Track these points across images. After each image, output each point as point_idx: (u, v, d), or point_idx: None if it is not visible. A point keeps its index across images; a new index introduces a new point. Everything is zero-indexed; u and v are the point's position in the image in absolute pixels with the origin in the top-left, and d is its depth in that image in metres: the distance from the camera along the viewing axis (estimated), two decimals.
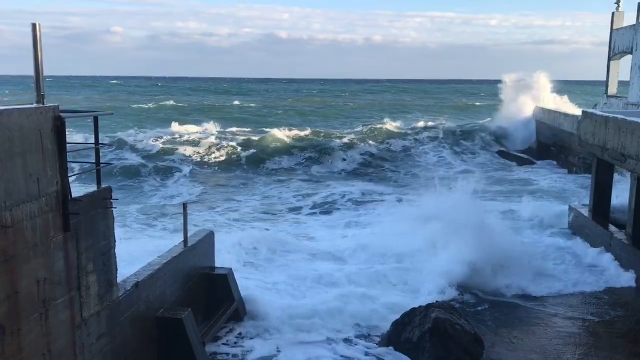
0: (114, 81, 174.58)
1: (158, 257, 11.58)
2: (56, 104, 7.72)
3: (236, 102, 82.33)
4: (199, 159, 36.09)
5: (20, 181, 6.92)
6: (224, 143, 39.25)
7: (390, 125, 47.76)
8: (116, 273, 9.25)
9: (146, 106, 68.84)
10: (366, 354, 11.62)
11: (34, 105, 7.42)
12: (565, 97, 48.30)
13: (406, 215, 20.17)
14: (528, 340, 12.21)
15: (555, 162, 36.50)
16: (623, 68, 36.99)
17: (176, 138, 39.81)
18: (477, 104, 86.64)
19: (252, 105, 79.52)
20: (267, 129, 44.36)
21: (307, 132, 43.91)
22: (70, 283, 7.94)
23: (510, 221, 20.61)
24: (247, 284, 13.95)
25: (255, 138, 41.30)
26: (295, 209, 25.18)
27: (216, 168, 35.60)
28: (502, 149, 43.16)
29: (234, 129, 47.82)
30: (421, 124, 49.23)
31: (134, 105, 68.63)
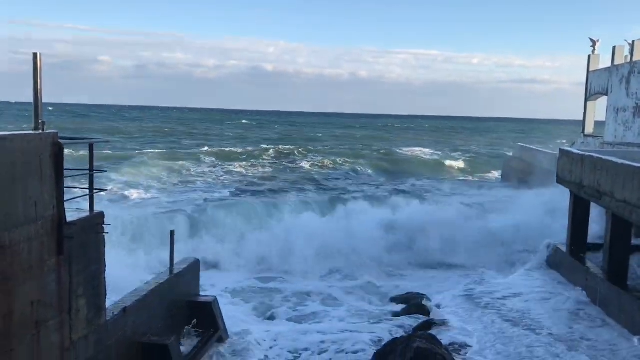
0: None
1: (145, 283, 11.74)
2: (55, 131, 7.99)
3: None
4: None
5: (19, 204, 7.14)
6: None
7: None
8: (105, 297, 9.40)
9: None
10: None
11: (35, 131, 7.69)
12: None
13: None
14: None
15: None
16: (600, 108, 38.16)
17: None
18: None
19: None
20: None
21: None
22: (62, 306, 8.10)
23: None
24: None
25: None
26: None
27: None
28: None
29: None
30: None
31: None
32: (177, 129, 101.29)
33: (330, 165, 52.35)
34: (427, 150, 70.08)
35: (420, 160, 60.52)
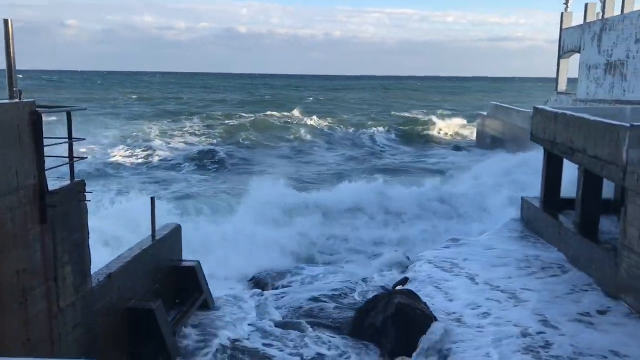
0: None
1: (127, 250, 11.81)
2: (32, 100, 7.92)
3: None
4: None
5: (0, 174, 7.11)
6: None
7: None
8: (90, 264, 9.48)
9: None
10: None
11: (12, 100, 7.60)
12: None
13: None
14: None
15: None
16: (572, 66, 38.62)
17: None
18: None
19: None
20: None
21: None
22: (47, 274, 8.16)
23: None
24: None
25: None
26: None
27: None
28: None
29: None
30: None
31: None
32: (162, 96, 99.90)
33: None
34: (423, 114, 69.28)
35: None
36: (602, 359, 10.49)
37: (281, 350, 11.70)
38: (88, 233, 9.40)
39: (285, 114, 65.10)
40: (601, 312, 12.67)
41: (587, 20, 34.40)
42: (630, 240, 12.86)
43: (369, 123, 59.08)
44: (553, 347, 10.86)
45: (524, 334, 11.39)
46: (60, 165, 8.74)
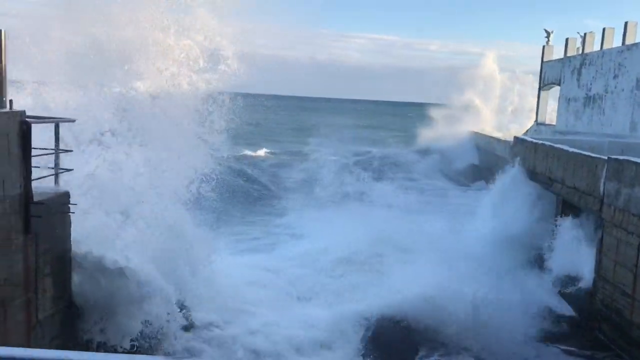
0: None
1: None
2: (23, 109, 7.93)
3: None
4: None
5: None
6: None
7: None
8: (70, 277, 9.41)
9: None
10: None
11: (2, 109, 7.61)
12: None
13: None
14: None
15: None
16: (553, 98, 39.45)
17: None
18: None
19: None
20: None
21: None
22: (28, 285, 8.09)
23: None
24: None
25: None
26: None
27: None
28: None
29: None
30: None
31: None
32: None
33: None
34: None
35: None
36: None
37: None
38: (71, 245, 9.35)
39: None
40: None
41: (568, 55, 35.29)
42: (606, 271, 13.11)
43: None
44: None
45: None
46: (46, 177, 8.73)
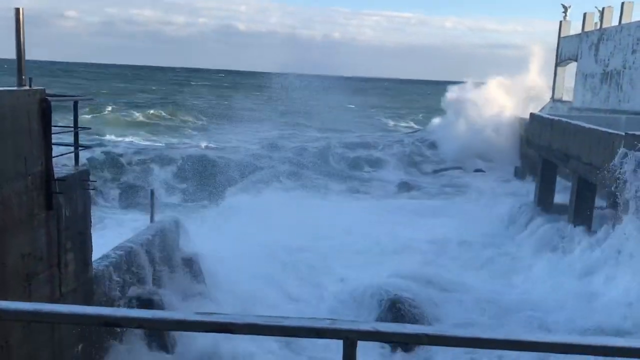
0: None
1: (127, 240, 11.95)
2: (42, 87, 8.05)
3: None
4: None
5: (9, 160, 7.25)
6: None
7: None
8: (91, 252, 9.61)
9: None
10: None
11: (23, 88, 7.73)
12: None
13: None
14: None
15: None
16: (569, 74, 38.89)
17: None
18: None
19: None
20: None
21: None
22: (51, 259, 8.29)
23: None
24: None
25: None
26: None
27: None
28: None
29: None
30: None
31: None
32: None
33: None
34: None
35: None
36: None
37: None
38: (91, 221, 9.54)
39: None
40: None
41: (585, 30, 34.74)
42: None
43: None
44: None
45: None
46: (66, 154, 8.88)
